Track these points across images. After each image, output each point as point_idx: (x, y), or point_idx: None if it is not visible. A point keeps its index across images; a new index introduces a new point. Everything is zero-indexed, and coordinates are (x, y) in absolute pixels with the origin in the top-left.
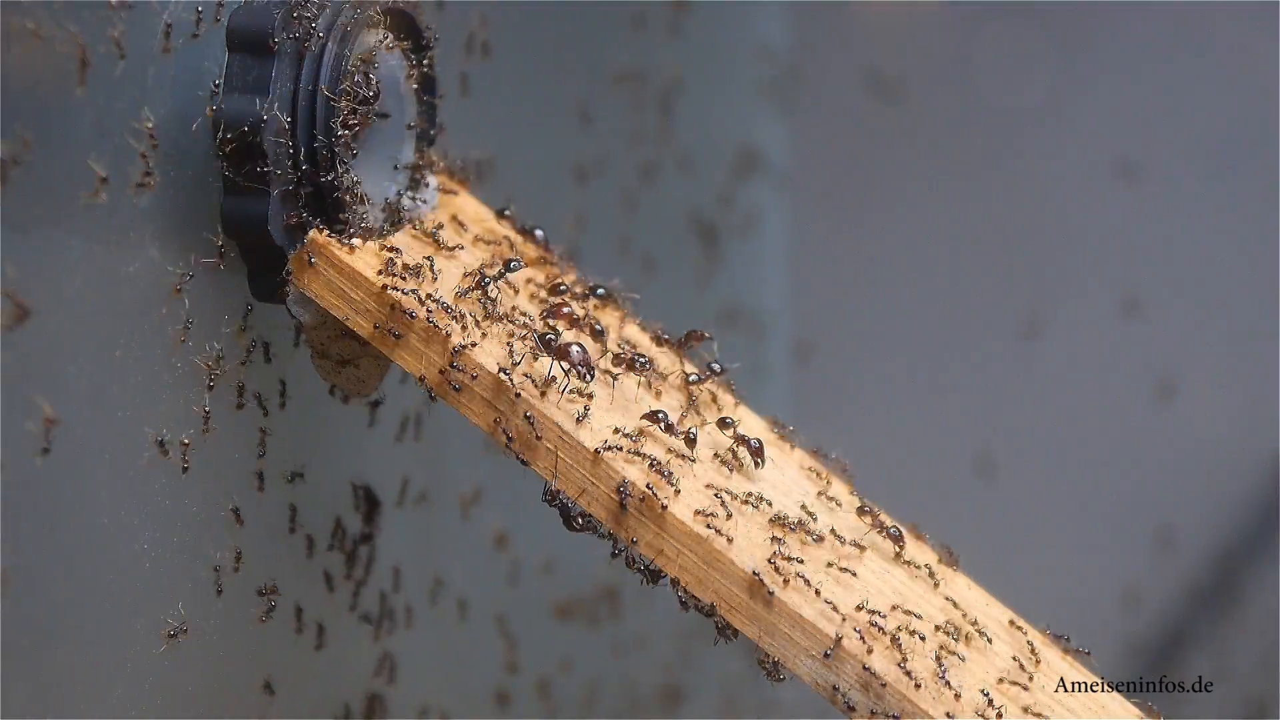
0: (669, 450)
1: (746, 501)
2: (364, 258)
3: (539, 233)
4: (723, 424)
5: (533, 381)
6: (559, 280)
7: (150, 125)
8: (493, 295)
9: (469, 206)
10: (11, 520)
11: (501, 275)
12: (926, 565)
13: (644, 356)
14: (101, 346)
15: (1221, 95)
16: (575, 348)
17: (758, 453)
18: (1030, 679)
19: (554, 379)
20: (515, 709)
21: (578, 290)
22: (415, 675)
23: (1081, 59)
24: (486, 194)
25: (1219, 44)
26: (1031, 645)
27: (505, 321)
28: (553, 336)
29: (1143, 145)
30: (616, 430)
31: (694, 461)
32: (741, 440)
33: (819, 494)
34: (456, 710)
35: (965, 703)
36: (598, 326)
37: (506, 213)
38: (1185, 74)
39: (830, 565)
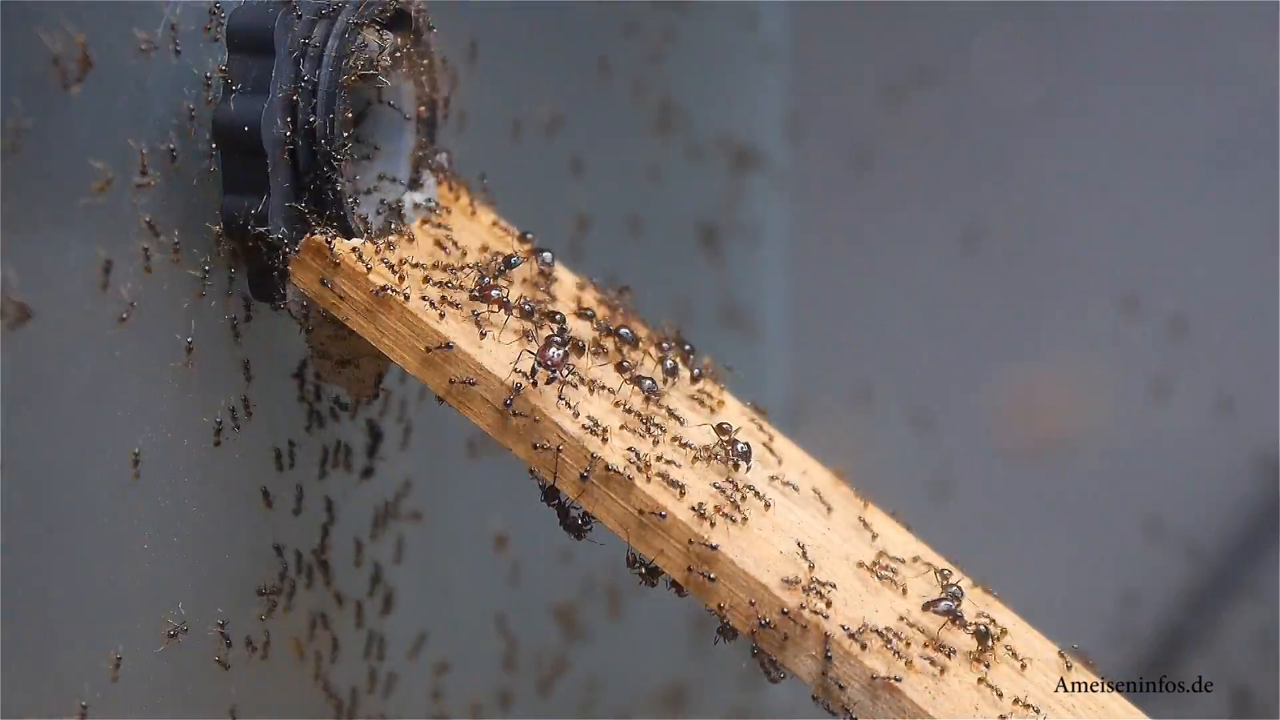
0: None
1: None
2: (364, 258)
3: (546, 255)
4: (720, 429)
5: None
6: (511, 254)
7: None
8: (496, 294)
9: (469, 208)
10: (12, 520)
11: (502, 273)
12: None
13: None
14: (101, 346)
15: (1222, 95)
16: (553, 350)
17: (745, 455)
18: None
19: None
20: (515, 709)
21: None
22: (415, 675)
23: (1081, 59)
24: (486, 194)
25: (1219, 44)
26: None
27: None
28: (558, 338)
29: (1142, 144)
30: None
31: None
32: (731, 444)
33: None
34: (457, 710)
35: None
36: (527, 306)
37: (529, 235)
38: (1185, 74)
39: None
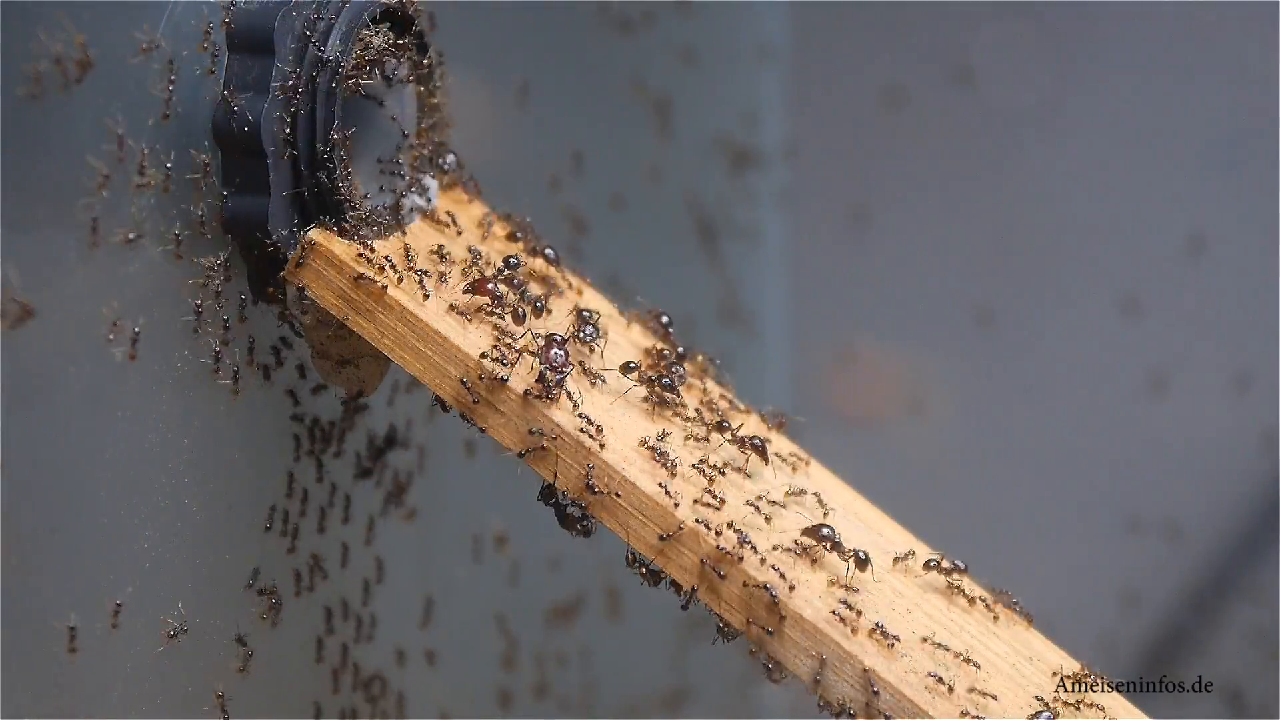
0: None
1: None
2: (363, 257)
3: (549, 252)
4: (720, 428)
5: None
6: (510, 256)
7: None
8: (500, 294)
9: (470, 209)
10: (12, 520)
11: (501, 273)
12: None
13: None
14: (101, 346)
15: (1222, 95)
16: (555, 350)
17: (762, 452)
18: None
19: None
20: (515, 709)
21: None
22: (416, 675)
23: (1081, 59)
24: (488, 194)
25: (1219, 44)
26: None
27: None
28: (560, 337)
29: (1142, 144)
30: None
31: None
32: (744, 442)
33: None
34: (457, 710)
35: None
36: (520, 311)
37: (519, 236)
38: (1185, 74)
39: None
